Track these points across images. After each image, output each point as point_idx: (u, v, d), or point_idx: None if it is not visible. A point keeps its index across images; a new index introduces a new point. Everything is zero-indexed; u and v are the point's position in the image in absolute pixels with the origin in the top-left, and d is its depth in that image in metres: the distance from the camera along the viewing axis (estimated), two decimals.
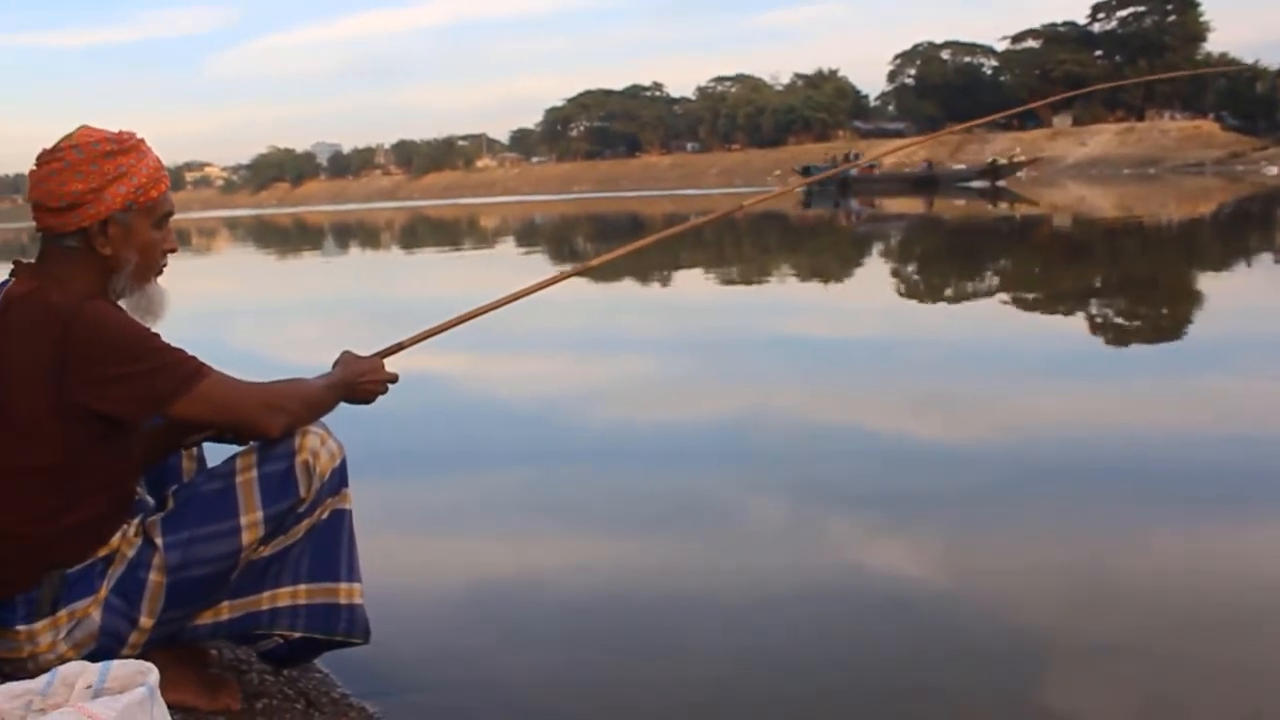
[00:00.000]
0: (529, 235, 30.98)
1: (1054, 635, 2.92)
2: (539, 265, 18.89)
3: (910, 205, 34.61)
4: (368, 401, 2.24)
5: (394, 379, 2.27)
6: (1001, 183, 47.41)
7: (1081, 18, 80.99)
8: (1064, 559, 3.46)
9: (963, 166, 51.16)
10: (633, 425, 5.74)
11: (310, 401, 2.09)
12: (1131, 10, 78.28)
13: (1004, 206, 32.03)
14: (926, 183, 48.69)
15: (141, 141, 2.00)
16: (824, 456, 4.90)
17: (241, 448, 2.10)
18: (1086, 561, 3.43)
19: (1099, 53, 79.46)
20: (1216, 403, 5.59)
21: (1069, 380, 6.40)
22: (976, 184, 47.57)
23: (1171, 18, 76.43)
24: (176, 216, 2.10)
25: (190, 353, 1.96)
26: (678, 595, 3.32)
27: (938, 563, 3.50)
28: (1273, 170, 53.14)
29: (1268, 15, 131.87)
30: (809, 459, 4.86)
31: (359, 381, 2.21)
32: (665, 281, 13.97)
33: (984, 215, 28.35)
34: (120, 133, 1.98)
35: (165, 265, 2.07)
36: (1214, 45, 78.71)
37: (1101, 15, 79.90)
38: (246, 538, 2.01)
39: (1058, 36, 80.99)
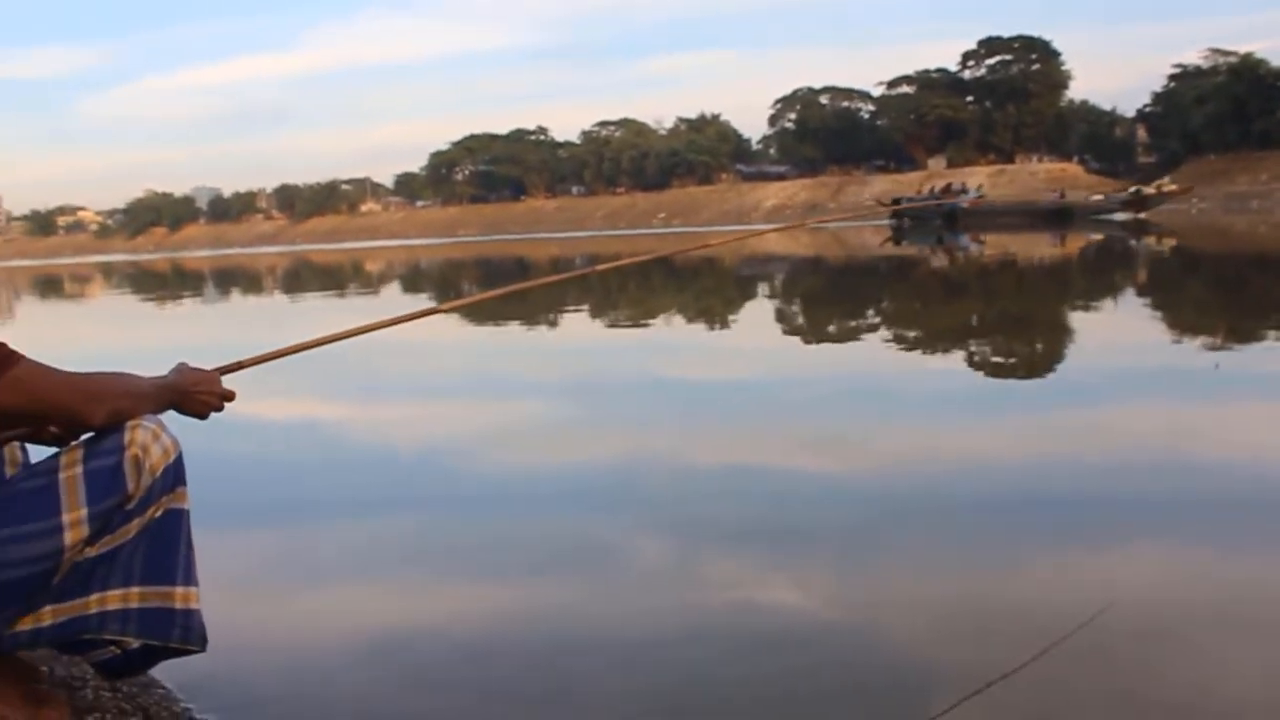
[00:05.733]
0: (414, 280, 30.56)
1: (939, 667, 2.84)
2: (417, 307, 18.59)
3: (1033, 243, 29.57)
4: (200, 415, 2.15)
5: (230, 396, 2.18)
6: (1143, 215, 42.73)
7: (953, 65, 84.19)
8: (947, 592, 3.38)
9: (1100, 197, 44.65)
10: (522, 469, 5.50)
11: (135, 395, 2.01)
12: (999, 59, 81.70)
13: (1151, 241, 28.18)
14: (1059, 215, 42.78)
15: None
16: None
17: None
18: (969, 594, 3.36)
19: (970, 98, 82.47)
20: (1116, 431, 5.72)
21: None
22: (1120, 216, 42.74)
23: (1035, 66, 79.89)
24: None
25: (1, 339, 1.88)
26: (562, 638, 3.14)
27: (824, 599, 3.42)
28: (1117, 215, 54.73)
29: (1123, 65, 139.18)
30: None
31: (192, 390, 2.12)
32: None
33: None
34: None
35: None
36: (1075, 92, 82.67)
37: (971, 63, 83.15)
38: (69, 537, 1.91)
39: (930, 83, 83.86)
